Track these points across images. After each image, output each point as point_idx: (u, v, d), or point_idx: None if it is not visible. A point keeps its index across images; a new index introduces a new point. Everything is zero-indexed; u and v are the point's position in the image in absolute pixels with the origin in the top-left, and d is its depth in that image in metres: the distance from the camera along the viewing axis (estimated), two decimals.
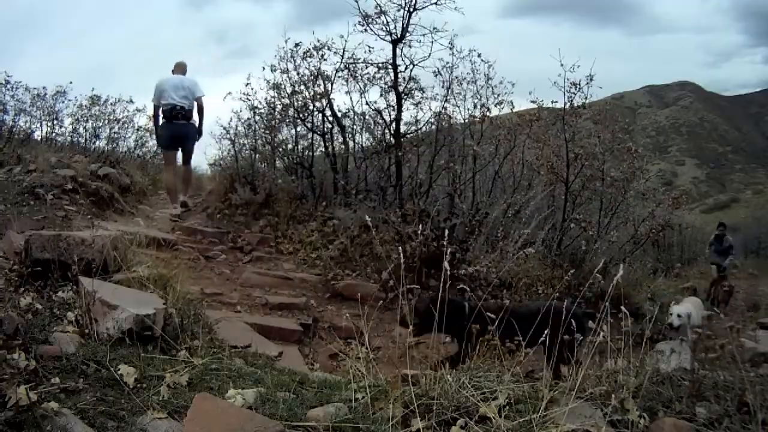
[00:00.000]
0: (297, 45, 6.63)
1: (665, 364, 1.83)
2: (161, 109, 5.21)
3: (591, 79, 5.71)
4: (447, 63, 6.26)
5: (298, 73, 6.81)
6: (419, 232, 4.42)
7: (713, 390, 1.59)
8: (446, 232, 2.21)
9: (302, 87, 6.82)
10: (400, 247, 2.16)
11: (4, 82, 8.56)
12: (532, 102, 6.30)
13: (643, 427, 1.47)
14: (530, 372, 2.29)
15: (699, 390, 1.60)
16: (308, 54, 6.58)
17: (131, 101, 9.87)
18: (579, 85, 5.76)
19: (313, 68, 6.70)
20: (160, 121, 5.32)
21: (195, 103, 5.35)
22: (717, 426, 1.45)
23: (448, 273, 1.80)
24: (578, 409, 1.51)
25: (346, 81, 6.62)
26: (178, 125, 5.22)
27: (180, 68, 5.50)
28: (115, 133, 9.98)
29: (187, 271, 3.65)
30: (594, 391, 1.60)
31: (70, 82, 9.48)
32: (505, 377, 1.70)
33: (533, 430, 1.43)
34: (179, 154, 5.64)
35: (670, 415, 1.52)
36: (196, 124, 5.49)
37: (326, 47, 6.49)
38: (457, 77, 6.31)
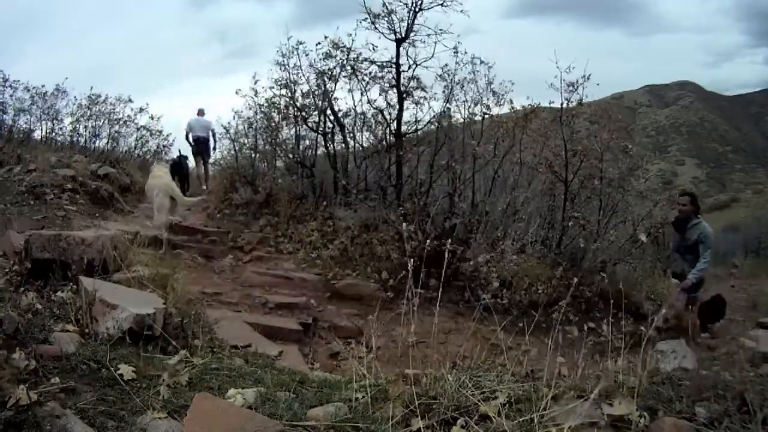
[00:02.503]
0: (295, 45, 6.64)
1: (665, 364, 1.84)
2: (191, 137, 8.66)
3: (587, 79, 5.73)
4: (450, 68, 6.28)
5: (297, 74, 6.82)
6: (419, 231, 4.42)
7: (713, 390, 1.59)
8: (446, 231, 2.22)
9: (302, 86, 6.83)
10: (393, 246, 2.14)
11: (2, 81, 8.54)
12: (530, 105, 6.34)
13: (643, 427, 1.47)
14: (530, 371, 2.29)
15: (699, 390, 1.60)
16: (306, 53, 6.58)
17: (130, 100, 9.88)
18: (575, 84, 5.78)
19: (312, 68, 6.70)
20: (191, 140, 8.74)
21: (210, 132, 8.76)
22: (717, 426, 1.45)
23: (448, 272, 1.79)
24: (578, 408, 1.50)
25: (349, 79, 6.62)
26: (200, 145, 8.68)
27: (201, 112, 8.82)
28: (115, 132, 9.96)
29: (187, 270, 3.66)
30: (594, 391, 1.60)
31: (66, 78, 9.46)
32: (506, 377, 1.70)
33: (533, 429, 1.42)
34: (201, 163, 8.97)
35: (670, 414, 1.52)
36: (211, 144, 8.88)
37: (339, 48, 6.47)
38: (458, 82, 6.33)
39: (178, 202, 5.56)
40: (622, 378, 1.67)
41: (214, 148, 8.92)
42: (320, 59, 6.60)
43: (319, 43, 6.54)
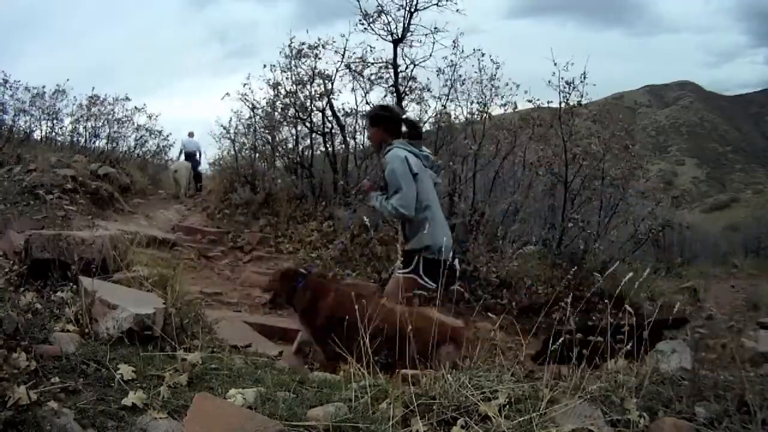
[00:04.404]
0: (294, 44, 6.65)
1: (665, 364, 1.83)
2: (183, 153, 10.68)
3: (585, 77, 5.71)
4: (451, 62, 6.24)
5: (297, 73, 6.82)
6: None
7: (713, 390, 1.59)
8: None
9: (302, 86, 6.83)
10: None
11: (2, 81, 8.55)
12: (529, 101, 6.30)
13: (643, 427, 1.47)
14: (530, 372, 2.29)
15: (699, 390, 1.60)
16: (303, 54, 6.58)
17: (127, 98, 9.95)
18: (573, 83, 5.76)
19: (311, 67, 6.71)
20: (182, 157, 10.66)
21: (197, 150, 10.87)
22: (717, 426, 1.45)
23: (448, 273, 1.79)
24: (578, 408, 1.50)
25: (352, 78, 6.63)
26: (190, 160, 10.49)
27: (191, 134, 11.05)
28: (114, 132, 10.00)
29: (187, 270, 3.66)
30: (594, 391, 1.60)
31: (67, 79, 9.49)
32: (505, 377, 1.70)
33: (533, 429, 1.42)
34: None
35: (670, 414, 1.52)
36: (198, 158, 11.01)
37: (322, 46, 6.50)
38: (460, 76, 6.30)
39: (184, 174, 9.60)
40: (622, 378, 1.67)
41: (200, 162, 11.43)
42: (314, 60, 6.61)
43: (313, 46, 6.56)
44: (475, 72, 6.25)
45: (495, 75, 6.20)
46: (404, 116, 3.00)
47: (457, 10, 5.80)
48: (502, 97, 6.27)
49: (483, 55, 6.14)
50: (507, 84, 6.26)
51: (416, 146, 2.97)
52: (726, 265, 12.35)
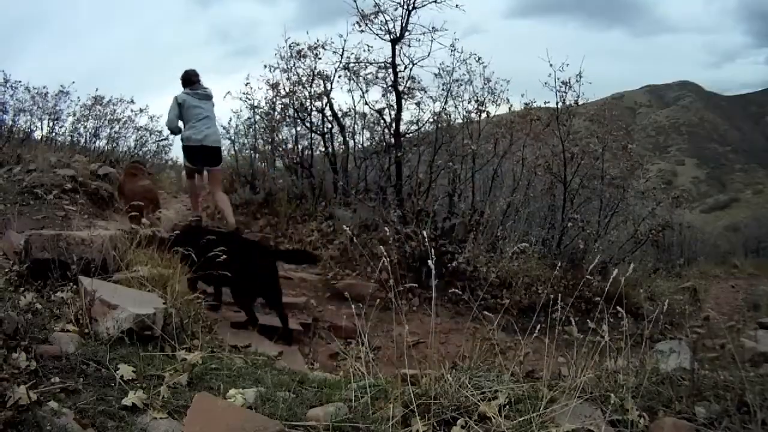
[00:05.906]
0: (292, 45, 6.65)
1: (665, 364, 1.83)
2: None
3: (580, 77, 5.71)
4: (447, 66, 6.24)
5: (296, 73, 6.82)
6: (418, 231, 4.42)
7: (713, 390, 1.59)
8: (425, 231, 2.22)
9: (301, 87, 6.82)
10: (382, 247, 2.11)
11: (2, 81, 8.50)
12: (525, 104, 6.32)
13: (643, 427, 1.47)
14: (530, 372, 2.29)
15: (699, 390, 1.60)
16: (302, 54, 6.57)
17: (132, 101, 9.89)
18: (569, 83, 5.76)
19: (310, 68, 6.71)
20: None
21: None
22: (717, 426, 1.45)
23: (434, 271, 1.78)
24: (578, 408, 1.50)
25: (349, 80, 6.62)
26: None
27: None
28: (115, 132, 9.96)
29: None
30: (594, 391, 1.60)
31: (73, 82, 9.41)
32: (505, 377, 1.70)
33: (533, 429, 1.42)
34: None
35: (670, 415, 1.52)
36: None
37: (322, 46, 6.49)
38: (457, 80, 6.30)
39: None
40: (622, 378, 1.67)
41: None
42: (313, 60, 6.62)
43: (313, 47, 6.55)
44: (465, 74, 6.26)
45: (485, 75, 6.21)
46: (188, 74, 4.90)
47: (457, 6, 5.73)
48: (497, 95, 6.28)
49: (479, 59, 6.16)
50: (497, 81, 6.27)
51: (195, 88, 4.85)
52: (726, 265, 12.35)
